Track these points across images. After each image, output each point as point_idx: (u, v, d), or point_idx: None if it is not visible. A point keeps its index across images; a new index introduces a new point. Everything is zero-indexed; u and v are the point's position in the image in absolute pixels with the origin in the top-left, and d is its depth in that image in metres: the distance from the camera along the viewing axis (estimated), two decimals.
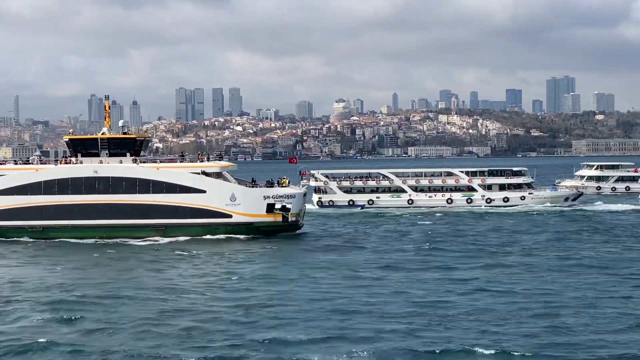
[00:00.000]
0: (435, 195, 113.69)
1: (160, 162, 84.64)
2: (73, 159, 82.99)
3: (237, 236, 78.67)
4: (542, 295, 46.92)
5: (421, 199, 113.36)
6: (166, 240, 77.36)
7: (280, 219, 79.64)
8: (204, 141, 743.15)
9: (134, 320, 41.99)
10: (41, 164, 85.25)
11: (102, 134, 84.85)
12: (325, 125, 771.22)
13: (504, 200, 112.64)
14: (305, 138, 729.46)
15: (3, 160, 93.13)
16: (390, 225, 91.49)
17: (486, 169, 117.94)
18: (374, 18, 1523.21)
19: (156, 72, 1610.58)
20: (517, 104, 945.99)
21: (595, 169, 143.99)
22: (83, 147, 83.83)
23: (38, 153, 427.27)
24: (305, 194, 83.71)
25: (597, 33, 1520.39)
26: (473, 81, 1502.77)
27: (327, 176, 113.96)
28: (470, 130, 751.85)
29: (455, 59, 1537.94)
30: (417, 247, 71.37)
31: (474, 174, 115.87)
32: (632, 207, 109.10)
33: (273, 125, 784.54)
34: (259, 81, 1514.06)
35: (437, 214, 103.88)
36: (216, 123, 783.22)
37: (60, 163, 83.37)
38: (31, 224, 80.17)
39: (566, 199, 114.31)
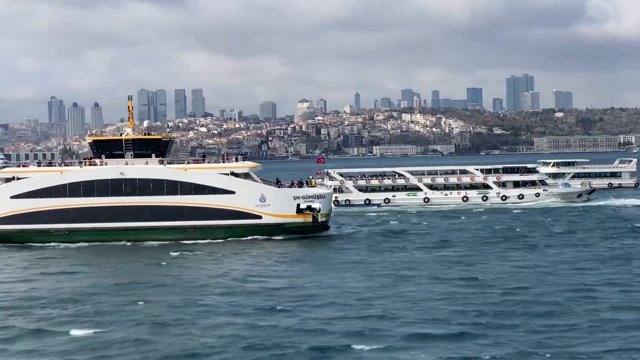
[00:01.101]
0: (450, 193, 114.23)
1: (187, 163, 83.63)
2: (97, 161, 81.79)
3: (265, 237, 78.28)
4: None
5: (437, 197, 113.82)
6: (194, 242, 76.69)
7: (310, 219, 79.18)
8: None
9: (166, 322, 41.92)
10: (63, 165, 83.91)
11: (126, 134, 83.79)
12: (290, 126, 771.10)
13: (518, 197, 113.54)
14: (270, 138, 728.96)
15: (26, 162, 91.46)
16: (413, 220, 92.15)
17: (501, 166, 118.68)
18: (332, 19, 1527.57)
19: (114, 73, 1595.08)
20: (478, 103, 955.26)
21: (551, 166, 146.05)
22: (107, 149, 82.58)
23: (1, 156, 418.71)
24: (332, 194, 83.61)
25: (553, 32, 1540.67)
26: (432, 81, 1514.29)
27: (342, 175, 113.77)
28: (434, 129, 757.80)
29: (413, 59, 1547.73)
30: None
31: (488, 171, 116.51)
32: None
33: (237, 125, 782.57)
34: (220, 82, 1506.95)
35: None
36: (180, 124, 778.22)
37: (85, 165, 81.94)
38: (56, 227, 78.86)
39: (579, 195, 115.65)
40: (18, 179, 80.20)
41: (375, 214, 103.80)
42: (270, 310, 44.07)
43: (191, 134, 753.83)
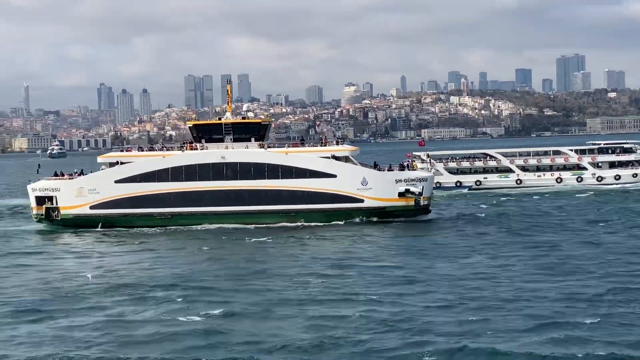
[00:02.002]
0: (544, 175, 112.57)
1: (288, 146, 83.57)
2: (198, 145, 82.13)
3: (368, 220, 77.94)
4: None
5: (529, 178, 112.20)
6: (295, 225, 76.67)
7: (412, 202, 78.56)
8: None
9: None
10: (166, 150, 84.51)
11: (226, 119, 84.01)
12: (337, 109, 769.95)
13: (615, 178, 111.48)
14: (318, 122, 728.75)
15: (129, 147, 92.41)
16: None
17: (595, 147, 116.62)
18: (376, 0, 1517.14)
19: (161, 59, 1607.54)
20: (527, 84, 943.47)
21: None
22: (207, 133, 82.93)
23: (57, 143, 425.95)
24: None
25: (604, 9, 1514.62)
26: (479, 62, 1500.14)
27: (433, 158, 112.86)
28: (483, 111, 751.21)
29: (460, 40, 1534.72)
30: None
31: (583, 152, 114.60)
32: None
33: (284, 110, 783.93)
34: (264, 66, 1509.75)
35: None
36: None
37: (186, 149, 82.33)
38: (160, 211, 79.46)
39: None
40: (121, 163, 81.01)
41: (487, 197, 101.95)
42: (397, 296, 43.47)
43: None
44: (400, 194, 78.54)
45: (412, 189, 78.47)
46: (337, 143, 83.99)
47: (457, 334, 35.06)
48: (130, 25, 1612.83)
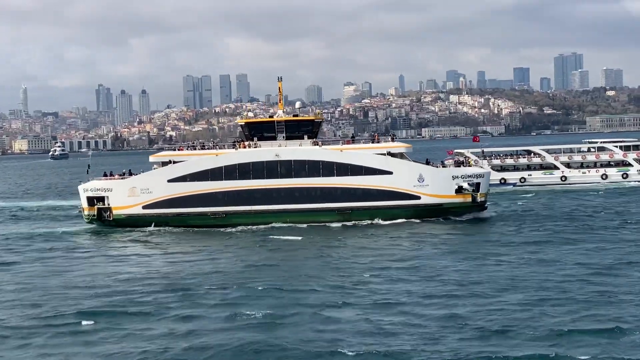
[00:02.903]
0: (589, 172, 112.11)
1: (342, 144, 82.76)
2: (251, 143, 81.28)
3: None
4: None
5: (574, 175, 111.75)
6: (352, 224, 75.99)
7: (469, 199, 77.85)
8: (217, 128, 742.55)
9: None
10: (218, 148, 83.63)
11: (278, 116, 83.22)
12: (337, 109, 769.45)
13: None
14: None
15: (181, 146, 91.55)
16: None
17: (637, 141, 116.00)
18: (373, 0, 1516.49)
19: (159, 60, 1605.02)
20: (525, 82, 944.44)
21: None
22: (259, 131, 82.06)
23: (59, 145, 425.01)
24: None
25: (601, 8, 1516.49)
26: (477, 61, 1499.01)
27: (477, 155, 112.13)
28: (482, 110, 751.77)
29: (456, 39, 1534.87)
30: None
31: (627, 148, 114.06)
32: None
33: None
34: (263, 66, 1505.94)
35: None
36: (227, 110, 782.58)
37: (239, 147, 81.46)
38: (214, 210, 78.60)
39: None
40: (174, 162, 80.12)
41: (530, 194, 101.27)
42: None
43: (238, 119, 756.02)
44: (457, 191, 77.84)
45: (464, 185, 77.78)
46: (392, 139, 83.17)
47: None
48: (128, 26, 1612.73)
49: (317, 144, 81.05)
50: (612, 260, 51.27)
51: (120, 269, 56.23)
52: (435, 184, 77.53)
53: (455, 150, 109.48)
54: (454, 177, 78.04)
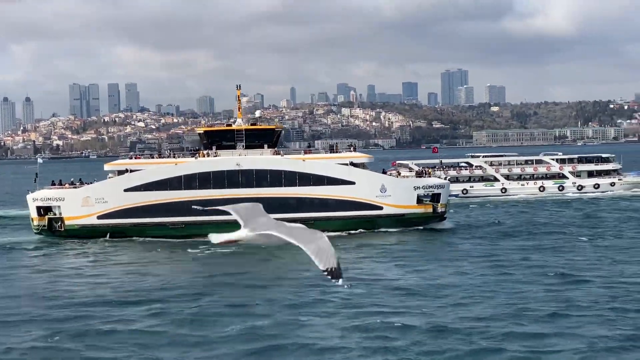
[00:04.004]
0: (527, 184, 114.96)
1: (304, 153, 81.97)
2: (210, 152, 79.46)
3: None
4: None
5: (514, 187, 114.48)
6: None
7: (430, 209, 78.48)
8: (106, 137, 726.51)
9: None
10: (175, 157, 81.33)
11: (237, 125, 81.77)
12: (230, 120, 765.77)
13: (594, 187, 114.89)
14: None
15: (138, 154, 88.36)
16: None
17: (576, 156, 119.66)
18: (263, 12, 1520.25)
19: (42, 67, 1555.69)
20: (413, 97, 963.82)
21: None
22: (218, 139, 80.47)
23: None
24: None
25: (484, 26, 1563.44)
26: (365, 75, 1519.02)
27: (419, 166, 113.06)
28: (374, 123, 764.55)
29: (346, 53, 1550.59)
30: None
31: (563, 161, 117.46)
32: None
33: (176, 120, 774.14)
34: (152, 76, 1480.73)
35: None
36: (116, 119, 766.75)
37: (199, 156, 79.47)
38: (173, 220, 76.35)
39: None
40: (131, 171, 77.45)
41: (474, 205, 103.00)
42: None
43: (128, 129, 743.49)
44: (419, 201, 78.34)
45: (420, 195, 78.31)
46: (354, 150, 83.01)
47: None
48: (8, 32, 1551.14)
49: (278, 154, 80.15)
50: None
51: (70, 281, 53.71)
52: (397, 195, 77.75)
53: (398, 162, 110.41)
54: (415, 188, 78.51)
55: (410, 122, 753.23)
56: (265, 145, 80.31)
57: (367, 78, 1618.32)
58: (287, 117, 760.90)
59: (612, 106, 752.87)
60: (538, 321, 38.05)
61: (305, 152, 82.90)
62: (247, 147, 79.97)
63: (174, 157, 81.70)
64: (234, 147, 79.93)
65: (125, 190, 76.32)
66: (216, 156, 79.02)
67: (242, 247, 67.93)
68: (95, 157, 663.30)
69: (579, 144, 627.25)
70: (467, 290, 46.09)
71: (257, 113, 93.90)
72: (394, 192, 77.77)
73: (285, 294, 46.39)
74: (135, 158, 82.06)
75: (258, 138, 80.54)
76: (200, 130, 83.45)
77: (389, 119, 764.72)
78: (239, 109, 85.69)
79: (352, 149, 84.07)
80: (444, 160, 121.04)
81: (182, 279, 53.85)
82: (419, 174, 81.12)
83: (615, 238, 68.82)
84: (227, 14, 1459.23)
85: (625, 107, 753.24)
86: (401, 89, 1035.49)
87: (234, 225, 69.52)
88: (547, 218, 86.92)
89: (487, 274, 51.35)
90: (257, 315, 41.10)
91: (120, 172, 77.77)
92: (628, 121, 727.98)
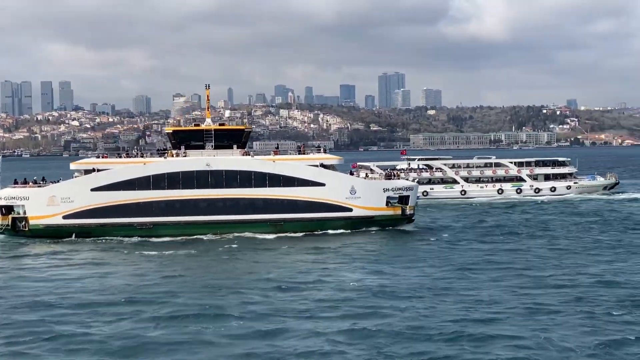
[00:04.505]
0: (486, 186, 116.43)
1: (275, 154, 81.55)
2: (179, 152, 78.44)
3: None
4: None
5: (473, 189, 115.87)
6: (282, 235, 74.90)
7: (399, 212, 78.84)
8: (39, 136, 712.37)
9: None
10: (142, 156, 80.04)
11: (206, 125, 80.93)
12: (168, 120, 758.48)
13: (551, 190, 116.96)
14: (148, 133, 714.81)
15: (105, 153, 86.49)
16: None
17: (533, 160, 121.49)
18: (200, 11, 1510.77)
19: None
20: (351, 99, 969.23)
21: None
22: (187, 139, 79.53)
23: None
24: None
25: (419, 30, 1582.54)
26: (302, 77, 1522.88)
27: (381, 168, 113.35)
28: (312, 125, 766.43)
29: (283, 55, 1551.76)
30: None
31: (521, 164, 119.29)
32: None
33: (111, 120, 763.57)
34: (86, 74, 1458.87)
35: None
36: (50, 117, 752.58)
37: (168, 156, 78.35)
38: (140, 221, 75.16)
39: (604, 188, 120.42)
40: (98, 170, 75.98)
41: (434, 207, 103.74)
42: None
43: (62, 128, 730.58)
44: (388, 203, 78.67)
45: (397, 197, 78.72)
46: (325, 151, 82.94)
47: None
48: None
49: (248, 154, 79.65)
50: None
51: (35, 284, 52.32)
52: (366, 196, 77.91)
53: (359, 164, 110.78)
54: (384, 190, 78.78)
55: (348, 125, 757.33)
56: (235, 146, 79.66)
57: (305, 80, 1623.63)
58: (225, 117, 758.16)
59: (545, 111, 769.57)
60: (506, 322, 38.68)
61: (275, 153, 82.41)
62: (216, 147, 79.21)
63: (142, 156, 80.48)
64: (202, 147, 79.10)
65: (92, 190, 74.82)
66: (185, 156, 78.07)
67: (203, 247, 67.62)
68: (28, 155, 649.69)
69: (514, 148, 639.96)
70: (433, 290, 46.82)
71: (227, 113, 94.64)
72: (364, 194, 77.89)
73: (253, 296, 45.89)
74: (102, 157, 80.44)
75: (227, 138, 79.87)
76: (169, 129, 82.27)
77: (327, 121, 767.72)
78: (207, 108, 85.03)
79: (322, 150, 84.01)
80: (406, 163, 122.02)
81: (147, 279, 52.86)
82: (388, 176, 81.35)
83: (568, 239, 70.21)
84: (163, 13, 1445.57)
85: (558, 113, 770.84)
86: (339, 91, 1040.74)
87: (200, 227, 69.39)
88: (507, 220, 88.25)
89: (451, 276, 51.92)
90: (229, 317, 40.60)
91: (87, 172, 76.14)
92: (560, 126, 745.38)
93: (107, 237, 73.77)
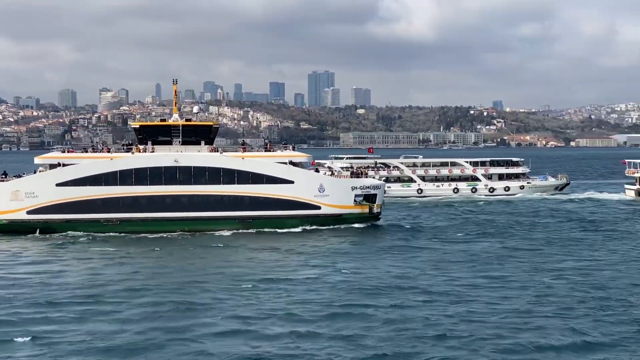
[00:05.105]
0: (442, 185, 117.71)
1: (243, 151, 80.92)
2: (146, 147, 77.20)
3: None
4: None
5: (429, 188, 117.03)
6: (249, 232, 74.58)
7: (367, 210, 79.28)
8: None
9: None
10: (107, 151, 78.44)
11: (174, 120, 79.83)
12: (95, 115, 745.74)
13: (505, 190, 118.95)
14: (74, 127, 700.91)
15: (71, 148, 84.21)
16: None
17: (488, 159, 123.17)
18: (127, 5, 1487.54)
19: None
20: (281, 97, 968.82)
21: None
22: (154, 135, 78.32)
23: None
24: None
25: (349, 29, 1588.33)
26: (230, 73, 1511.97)
27: (369, 165, 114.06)
28: (242, 122, 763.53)
29: (211, 51, 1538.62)
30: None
31: (476, 164, 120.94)
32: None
33: (36, 114, 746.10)
34: (6, 67, 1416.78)
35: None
36: None
37: (136, 151, 77.00)
38: (107, 217, 73.75)
39: (556, 188, 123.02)
40: (64, 165, 74.20)
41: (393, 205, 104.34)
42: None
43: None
44: (356, 201, 79.00)
45: (364, 195, 79.08)
46: (294, 149, 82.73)
47: None
48: None
49: (216, 151, 78.95)
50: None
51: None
52: (335, 195, 78.07)
53: (316, 161, 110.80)
54: (353, 188, 79.11)
55: (279, 122, 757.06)
56: (202, 142, 78.84)
57: (234, 77, 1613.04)
58: (153, 113, 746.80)
59: (472, 112, 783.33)
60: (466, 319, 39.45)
61: (243, 150, 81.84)
62: (184, 143, 78.28)
63: (109, 151, 78.96)
64: (170, 143, 78.05)
65: (58, 185, 73.10)
66: (153, 152, 76.89)
67: (164, 244, 66.78)
68: None
69: (445, 147, 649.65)
70: (399, 286, 47.67)
71: (195, 109, 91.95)
72: (332, 192, 78.02)
73: (220, 293, 45.72)
74: (68, 152, 78.53)
75: (195, 134, 78.97)
76: (136, 124, 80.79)
77: (257, 118, 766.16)
78: (175, 103, 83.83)
79: (291, 147, 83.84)
80: (365, 160, 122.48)
81: (114, 276, 52.18)
82: (357, 174, 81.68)
83: (523, 239, 71.62)
84: (90, 6, 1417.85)
85: (485, 114, 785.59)
86: (268, 88, 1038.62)
87: (168, 224, 67.94)
88: (464, 218, 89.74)
89: (429, 272, 53.17)
90: (199, 313, 40.38)
91: (52, 166, 74.30)
92: (487, 127, 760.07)
93: (72, 233, 72.15)
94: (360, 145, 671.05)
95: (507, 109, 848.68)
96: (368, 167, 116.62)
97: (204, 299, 43.81)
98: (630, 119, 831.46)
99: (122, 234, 72.39)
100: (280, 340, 35.45)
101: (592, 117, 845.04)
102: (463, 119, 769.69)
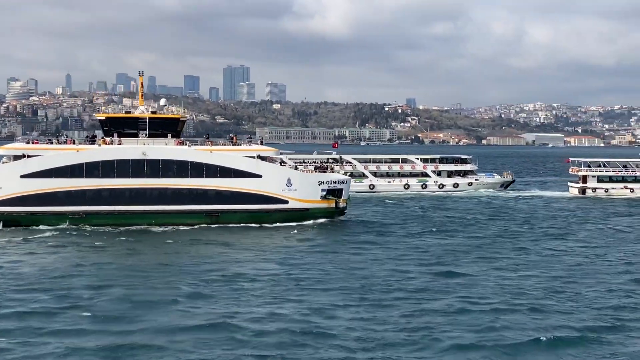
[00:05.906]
0: (393, 181, 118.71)
1: (211, 145, 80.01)
2: (114, 139, 75.62)
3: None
4: None
5: (381, 184, 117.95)
6: (216, 226, 74.04)
7: (333, 205, 79.63)
8: None
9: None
10: (70, 143, 76.36)
11: (140, 113, 78.33)
12: (3, 105, 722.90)
13: (454, 186, 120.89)
14: None
15: (35, 139, 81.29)
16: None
17: (438, 157, 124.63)
18: None
19: None
20: (195, 90, 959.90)
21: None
22: (120, 127, 76.74)
23: None
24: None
25: (264, 24, 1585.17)
26: (142, 65, 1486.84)
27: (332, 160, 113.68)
28: None
29: (123, 42, 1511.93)
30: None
31: (426, 160, 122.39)
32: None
33: None
34: None
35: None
36: None
37: (101, 143, 75.25)
38: (72, 209, 71.96)
39: (502, 185, 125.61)
40: (29, 156, 71.97)
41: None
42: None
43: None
44: (323, 196, 79.23)
45: (331, 190, 79.41)
46: (261, 143, 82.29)
47: None
48: None
49: (184, 144, 77.98)
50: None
51: None
52: (302, 189, 78.14)
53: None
54: (320, 183, 79.32)
55: (194, 116, 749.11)
56: (169, 135, 77.77)
57: (148, 69, 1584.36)
58: (65, 104, 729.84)
59: (387, 109, 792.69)
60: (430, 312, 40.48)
61: (210, 144, 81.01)
62: (150, 135, 77.07)
63: (74, 143, 76.95)
64: (136, 136, 76.69)
65: (22, 177, 70.92)
66: (120, 144, 75.37)
67: (129, 237, 65.82)
68: None
69: (362, 144, 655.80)
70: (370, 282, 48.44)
71: (162, 101, 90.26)
72: (300, 187, 78.06)
73: (185, 286, 45.75)
74: (33, 143, 76.08)
75: (162, 127, 77.85)
76: (101, 116, 78.87)
77: (172, 111, 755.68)
78: (140, 95, 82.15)
79: (259, 141, 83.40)
80: (316, 156, 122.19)
81: (80, 269, 51.48)
82: (323, 169, 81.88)
83: (476, 235, 73.36)
84: None
85: (399, 111, 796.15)
86: (183, 82, 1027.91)
87: (135, 217, 66.78)
88: (417, 213, 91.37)
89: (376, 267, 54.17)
90: (157, 311, 39.98)
91: (17, 157, 71.97)
92: (402, 124, 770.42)
93: (36, 226, 70.14)
94: (277, 141, 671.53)
95: (421, 107, 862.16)
96: (329, 161, 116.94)
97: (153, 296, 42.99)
98: (538, 119, 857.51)
99: (88, 227, 70.78)
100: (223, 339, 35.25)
101: (502, 116, 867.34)
102: (378, 116, 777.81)
